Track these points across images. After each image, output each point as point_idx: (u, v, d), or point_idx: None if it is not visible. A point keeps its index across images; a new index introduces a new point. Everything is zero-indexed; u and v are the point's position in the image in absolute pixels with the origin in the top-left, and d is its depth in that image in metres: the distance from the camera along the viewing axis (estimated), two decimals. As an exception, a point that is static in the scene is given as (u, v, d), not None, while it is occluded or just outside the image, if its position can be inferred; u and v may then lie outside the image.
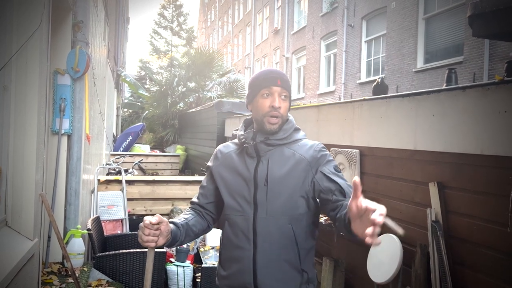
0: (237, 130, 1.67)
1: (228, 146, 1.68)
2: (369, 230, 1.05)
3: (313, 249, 1.60)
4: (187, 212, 1.67)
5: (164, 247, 1.55)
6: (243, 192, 1.55)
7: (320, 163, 1.52)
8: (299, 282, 1.54)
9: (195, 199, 1.72)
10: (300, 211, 1.52)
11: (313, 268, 1.61)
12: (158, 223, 1.40)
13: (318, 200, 1.55)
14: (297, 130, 1.64)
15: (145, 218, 1.42)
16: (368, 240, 1.06)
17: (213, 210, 1.69)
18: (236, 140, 1.66)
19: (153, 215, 1.46)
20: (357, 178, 1.14)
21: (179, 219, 1.59)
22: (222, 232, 1.64)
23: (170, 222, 1.52)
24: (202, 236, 4.62)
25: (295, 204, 1.51)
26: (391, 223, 1.09)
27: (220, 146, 1.71)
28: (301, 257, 1.53)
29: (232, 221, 1.57)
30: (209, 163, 1.70)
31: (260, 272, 1.51)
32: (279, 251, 1.51)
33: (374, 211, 1.08)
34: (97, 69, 5.18)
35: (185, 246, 4.49)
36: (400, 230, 1.11)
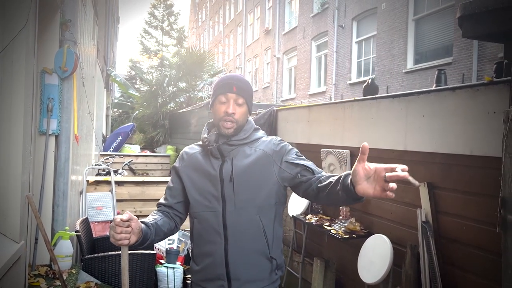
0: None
1: (193, 148, 1.76)
2: (392, 185, 1.17)
3: (280, 237, 1.70)
4: (154, 214, 1.70)
5: (137, 246, 1.57)
6: (210, 189, 1.62)
7: (283, 154, 1.63)
8: (269, 269, 1.63)
9: (162, 201, 1.76)
10: (266, 201, 1.61)
11: (281, 255, 1.70)
12: (128, 220, 1.44)
13: (290, 186, 1.64)
14: (256, 129, 1.73)
15: (115, 217, 1.45)
16: (388, 194, 1.19)
17: (181, 210, 1.74)
18: (200, 142, 1.74)
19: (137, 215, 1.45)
20: (366, 144, 1.25)
21: (148, 219, 1.63)
22: (192, 230, 1.70)
23: (140, 222, 1.56)
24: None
25: (260, 195, 1.60)
26: (411, 179, 1.17)
27: (185, 148, 1.79)
28: (270, 245, 1.62)
29: (202, 217, 1.64)
30: (175, 164, 1.76)
31: (232, 263, 1.59)
32: (248, 241, 1.59)
33: (384, 169, 1.20)
34: (85, 69, 5.12)
35: (175, 247, 4.45)
36: (417, 182, 1.19)
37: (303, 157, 1.65)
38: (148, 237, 1.56)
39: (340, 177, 1.40)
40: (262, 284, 1.63)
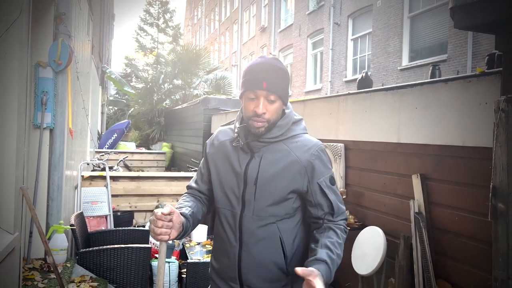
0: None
1: (226, 133, 1.62)
2: None
3: (301, 248, 1.55)
4: (187, 199, 1.62)
5: (174, 239, 1.52)
6: (233, 187, 1.52)
7: (317, 172, 1.49)
8: (283, 283, 1.52)
9: (193, 184, 1.68)
10: (288, 212, 1.50)
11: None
12: (169, 214, 1.36)
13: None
14: (296, 123, 1.56)
15: (156, 210, 1.38)
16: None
17: (211, 196, 1.65)
18: (233, 127, 1.60)
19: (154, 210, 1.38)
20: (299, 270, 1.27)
21: (183, 206, 1.54)
22: (213, 223, 1.64)
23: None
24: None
25: (283, 205, 1.49)
26: None
27: (220, 133, 1.65)
28: (287, 257, 1.50)
29: (222, 214, 1.56)
30: (206, 149, 1.66)
31: (244, 269, 1.51)
32: (264, 251, 1.49)
33: None
34: (80, 64, 5.10)
35: (170, 242, 4.45)
36: None
37: (334, 186, 1.52)
38: (187, 230, 1.48)
39: (312, 254, 1.41)
40: None
